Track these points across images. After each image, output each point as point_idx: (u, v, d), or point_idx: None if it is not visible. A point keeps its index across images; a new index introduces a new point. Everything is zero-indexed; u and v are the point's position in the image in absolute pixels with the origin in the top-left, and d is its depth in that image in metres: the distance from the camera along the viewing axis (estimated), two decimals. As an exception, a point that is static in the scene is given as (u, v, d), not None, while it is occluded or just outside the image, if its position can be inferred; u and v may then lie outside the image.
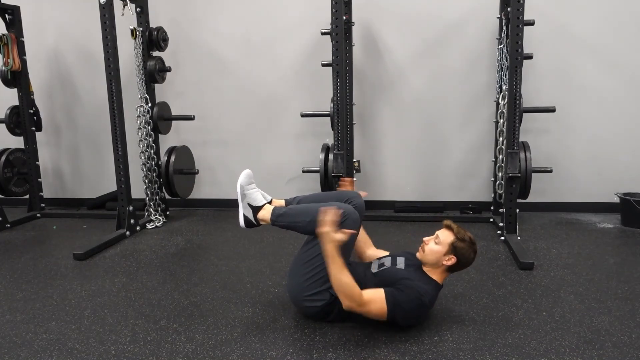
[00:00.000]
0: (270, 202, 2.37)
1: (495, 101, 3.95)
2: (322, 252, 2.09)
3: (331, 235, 2.03)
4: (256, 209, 2.30)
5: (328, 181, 3.62)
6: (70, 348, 2.09)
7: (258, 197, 2.31)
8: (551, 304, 2.41)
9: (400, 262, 2.26)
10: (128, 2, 3.72)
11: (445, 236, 2.17)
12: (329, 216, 2.05)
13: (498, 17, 3.83)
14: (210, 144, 4.53)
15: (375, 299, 2.06)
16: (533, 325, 2.20)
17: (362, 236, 2.56)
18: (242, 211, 2.31)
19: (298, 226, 2.23)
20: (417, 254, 2.25)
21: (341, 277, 2.03)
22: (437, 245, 2.17)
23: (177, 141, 4.42)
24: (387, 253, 2.52)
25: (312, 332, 2.16)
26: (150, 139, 4.01)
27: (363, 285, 2.12)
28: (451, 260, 2.16)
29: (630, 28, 3.89)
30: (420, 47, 4.15)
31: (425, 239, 2.23)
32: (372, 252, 2.58)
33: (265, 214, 2.28)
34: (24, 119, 4.24)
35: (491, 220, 3.92)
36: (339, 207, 2.15)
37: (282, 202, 2.44)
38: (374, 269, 2.26)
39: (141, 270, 3.01)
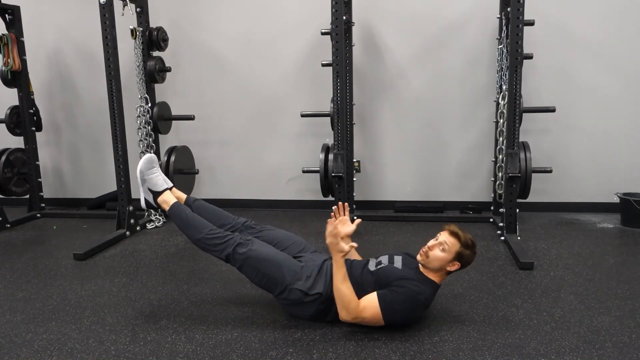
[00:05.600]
0: (170, 189, 2.48)
1: (495, 101, 3.95)
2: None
3: (339, 246, 2.07)
4: (156, 194, 2.42)
5: (328, 181, 3.62)
6: (70, 348, 2.09)
7: (159, 182, 2.43)
8: (551, 304, 2.41)
9: (398, 261, 2.25)
10: (128, 2, 3.72)
11: (452, 244, 2.15)
12: (330, 228, 2.08)
13: (498, 17, 3.83)
14: (210, 144, 4.53)
15: (368, 306, 2.08)
16: (533, 325, 2.20)
17: None
18: (144, 195, 2.46)
19: (186, 233, 2.34)
20: (418, 257, 2.22)
21: (342, 287, 2.08)
22: (443, 252, 2.15)
23: (177, 141, 4.42)
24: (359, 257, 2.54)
25: (312, 332, 2.16)
26: (150, 139, 4.01)
27: (360, 284, 2.14)
28: (455, 266, 2.18)
29: (630, 28, 3.89)
30: (420, 47, 4.15)
31: (429, 244, 2.19)
32: None
33: (167, 199, 2.41)
34: (24, 119, 4.24)
35: (491, 220, 3.92)
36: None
37: (181, 194, 2.54)
38: (372, 267, 2.26)
39: (141, 270, 3.02)
